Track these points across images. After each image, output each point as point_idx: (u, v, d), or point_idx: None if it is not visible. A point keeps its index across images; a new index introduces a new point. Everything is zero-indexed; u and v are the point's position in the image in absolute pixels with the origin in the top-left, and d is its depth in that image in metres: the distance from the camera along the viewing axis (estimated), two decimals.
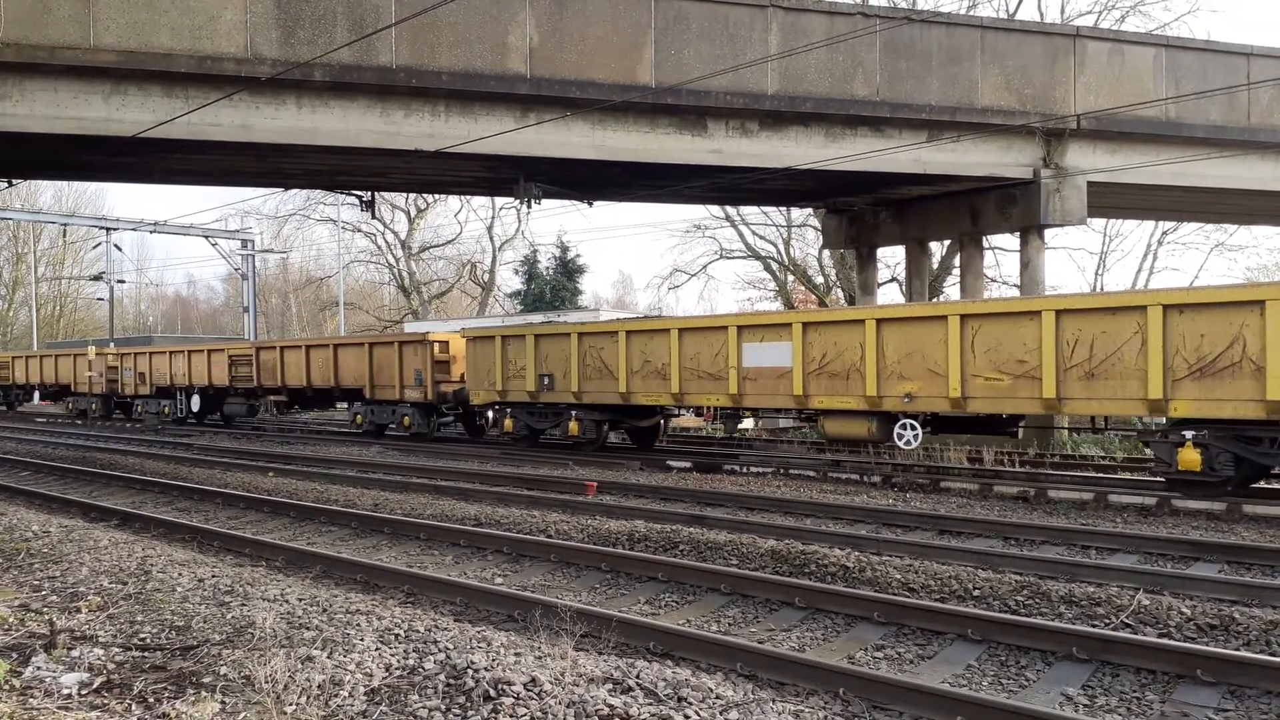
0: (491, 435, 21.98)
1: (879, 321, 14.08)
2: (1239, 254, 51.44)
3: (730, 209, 37.44)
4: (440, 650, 5.47)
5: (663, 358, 16.71)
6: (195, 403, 29.79)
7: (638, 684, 4.89)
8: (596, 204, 24.52)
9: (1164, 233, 39.36)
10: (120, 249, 46.33)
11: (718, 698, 4.84)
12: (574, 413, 18.46)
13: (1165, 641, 6.27)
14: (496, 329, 20.92)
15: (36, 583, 7.81)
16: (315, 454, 20.26)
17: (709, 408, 16.63)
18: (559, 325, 19.97)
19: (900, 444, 14.03)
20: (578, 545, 9.66)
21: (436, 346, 22.25)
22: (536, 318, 32.41)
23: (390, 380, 23.08)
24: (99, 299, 53.40)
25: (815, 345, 14.75)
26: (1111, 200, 23.63)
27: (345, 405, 28.18)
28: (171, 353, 30.87)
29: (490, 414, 20.97)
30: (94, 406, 34.57)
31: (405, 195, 48.11)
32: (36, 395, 39.33)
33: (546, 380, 18.75)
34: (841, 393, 14.51)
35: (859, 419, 14.46)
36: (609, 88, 17.08)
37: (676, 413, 19.66)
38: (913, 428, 13.92)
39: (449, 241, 54.19)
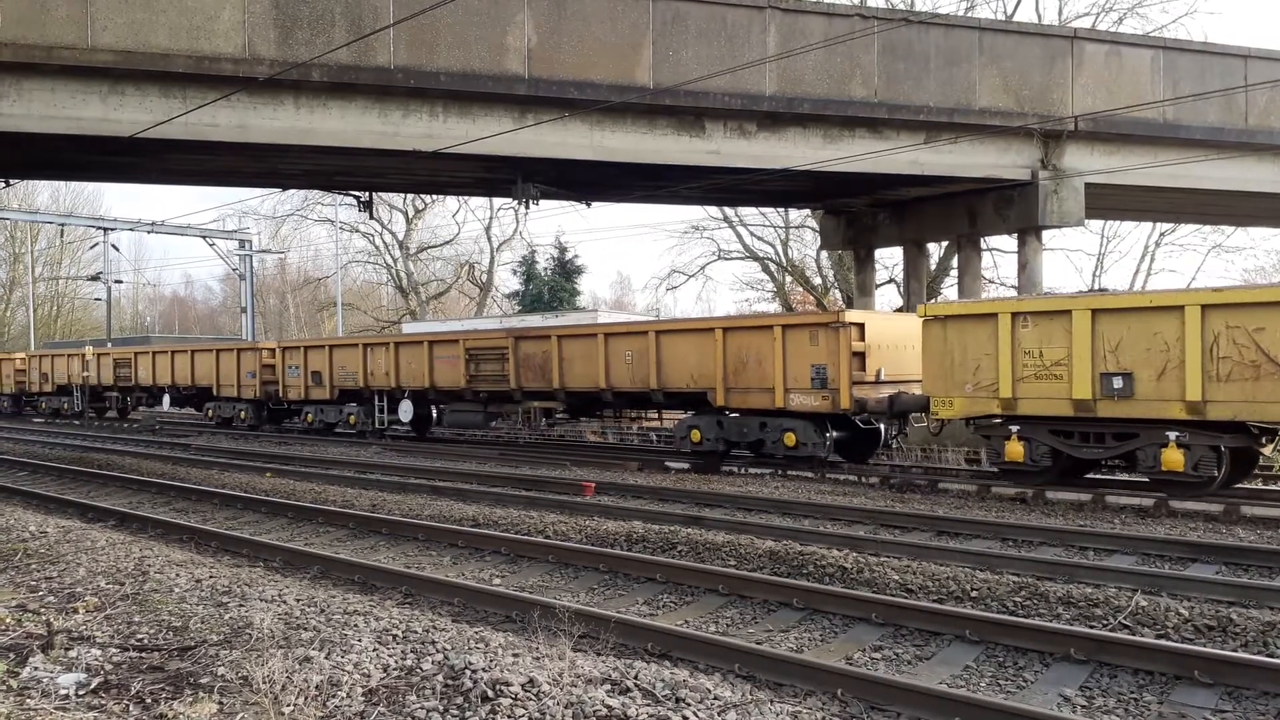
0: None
1: None
2: (1236, 255, 51.45)
3: (728, 210, 37.45)
4: (438, 651, 5.46)
5: None
6: (405, 410, 22.53)
7: (636, 685, 4.89)
8: (594, 205, 24.55)
9: (1162, 234, 39.39)
10: (118, 249, 46.31)
11: (716, 698, 4.83)
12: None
13: (1163, 643, 6.28)
14: (1000, 302, 14.36)
15: (34, 583, 7.79)
16: (313, 454, 20.24)
17: None
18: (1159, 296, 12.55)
19: None
20: (576, 546, 9.66)
21: (854, 331, 14.92)
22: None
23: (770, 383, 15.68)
24: (96, 299, 53.30)
25: None
26: (1109, 202, 23.66)
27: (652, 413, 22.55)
28: (368, 345, 23.72)
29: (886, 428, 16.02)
30: (243, 414, 28.18)
31: (403, 196, 48.05)
32: (167, 399, 31.28)
33: (1118, 382, 12.25)
34: None
35: None
36: (607, 88, 17.08)
37: None
38: None
39: (447, 242, 54.17)
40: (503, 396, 20.29)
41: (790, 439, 15.44)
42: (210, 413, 29.10)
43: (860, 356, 14.92)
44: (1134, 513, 11.72)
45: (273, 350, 26.89)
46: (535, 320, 30.28)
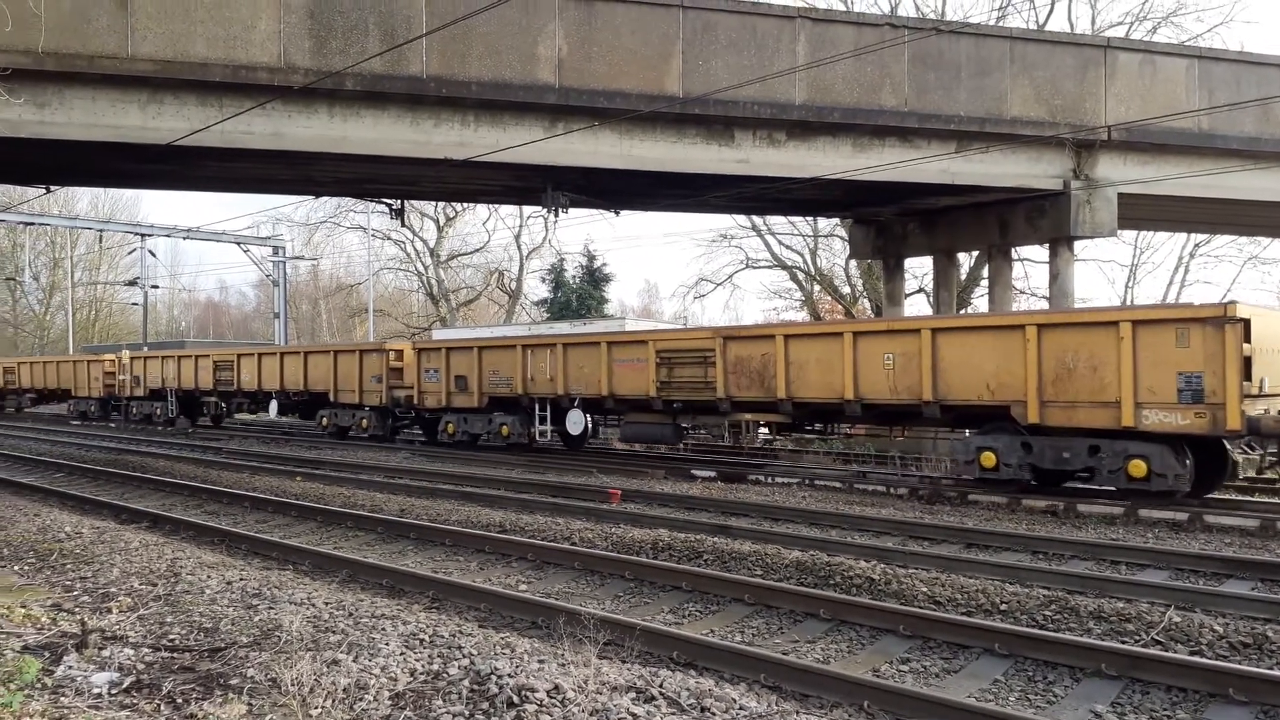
0: None
1: None
2: (1273, 267, 50.66)
3: (757, 219, 37.40)
4: (464, 656, 5.49)
5: None
6: (576, 420, 19.29)
7: (661, 693, 4.89)
8: (623, 213, 24.58)
9: (1196, 245, 38.91)
10: (154, 255, 47.08)
11: (741, 709, 4.82)
12: None
13: (1197, 659, 6.19)
14: None
15: (69, 583, 7.93)
16: (343, 459, 20.41)
17: None
18: None
19: None
20: (602, 553, 9.68)
21: (1240, 329, 11.93)
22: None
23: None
24: (133, 304, 54.22)
25: None
26: (1143, 212, 23.38)
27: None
28: (529, 346, 20.58)
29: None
30: (364, 423, 24.94)
31: (434, 204, 48.45)
32: (274, 406, 28.28)
33: None
34: None
35: None
36: (637, 98, 17.14)
37: None
38: None
39: (477, 250, 54.58)
40: (703, 407, 17.52)
41: (1138, 468, 12.25)
42: (324, 421, 26.28)
43: (1247, 362, 11.86)
44: (1167, 527, 11.56)
45: (400, 352, 24.35)
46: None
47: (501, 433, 20.87)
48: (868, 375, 14.67)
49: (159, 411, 32.75)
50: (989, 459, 13.58)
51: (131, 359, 34.24)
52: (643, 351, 17.90)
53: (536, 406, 20.00)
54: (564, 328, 31.37)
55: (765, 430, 21.04)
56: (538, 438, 20.42)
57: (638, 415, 18.72)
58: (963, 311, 27.95)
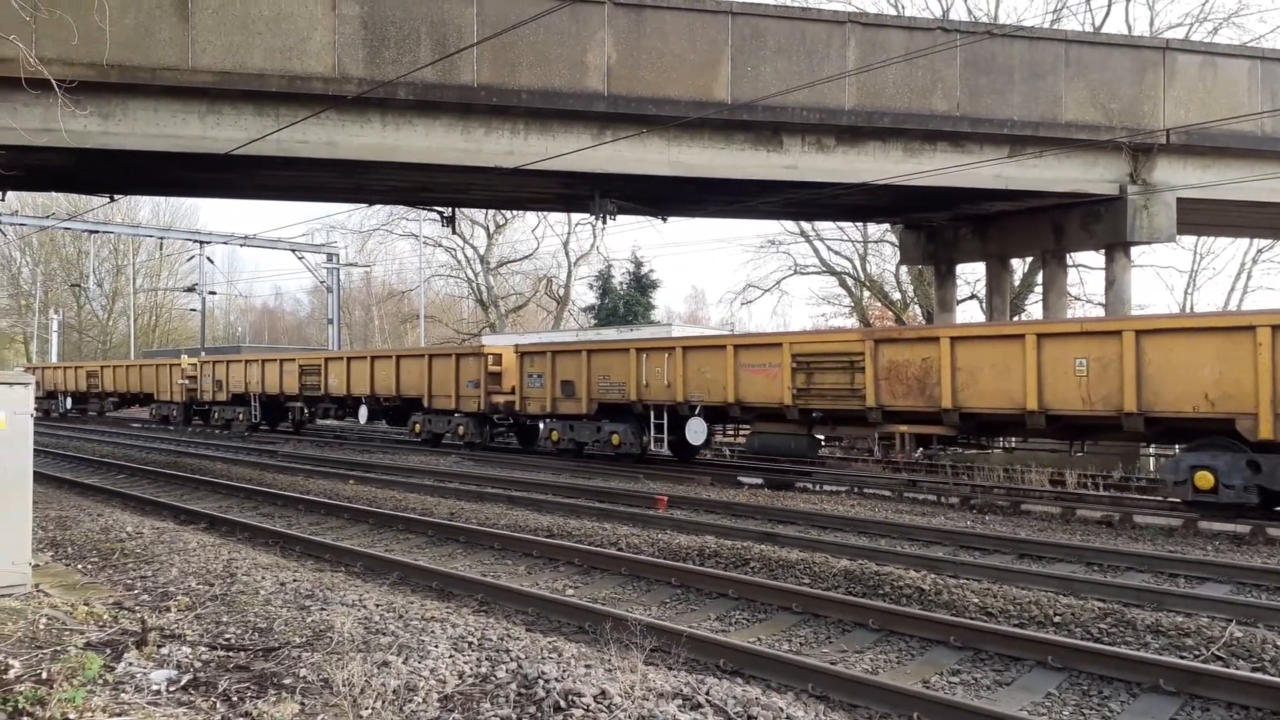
0: None
1: None
2: None
3: (805, 224, 37.20)
4: (512, 659, 5.53)
5: None
6: (698, 430, 18.07)
7: (707, 701, 4.88)
8: (670, 220, 24.59)
9: (1259, 250, 37.91)
10: (212, 261, 48.17)
11: (789, 718, 4.80)
12: None
13: (1260, 676, 6.02)
14: None
15: (129, 582, 8.13)
16: (394, 463, 20.67)
17: None
18: None
19: None
20: (648, 559, 9.68)
21: None
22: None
23: None
24: (192, 309, 55.47)
25: None
26: (1202, 217, 22.83)
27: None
28: (644, 350, 19.21)
29: None
30: (461, 430, 23.68)
31: (484, 211, 48.97)
32: (364, 412, 27.24)
33: None
34: None
35: None
36: (685, 105, 17.16)
37: None
38: None
39: (526, 257, 55.08)
40: (847, 417, 16.01)
41: None
42: (417, 427, 25.42)
43: None
44: (1228, 539, 11.26)
45: (499, 355, 23.44)
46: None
47: (612, 441, 19.77)
48: (1055, 383, 13.17)
49: (240, 416, 32.10)
50: (1205, 480, 11.95)
51: (214, 363, 33.67)
52: (776, 355, 16.58)
53: (652, 414, 18.91)
54: (610, 333, 31.45)
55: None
56: (652, 447, 19.24)
57: (767, 425, 17.22)
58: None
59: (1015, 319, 23.34)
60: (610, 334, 30.99)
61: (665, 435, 18.70)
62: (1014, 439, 16.56)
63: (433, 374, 24.42)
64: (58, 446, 25.72)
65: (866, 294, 40.81)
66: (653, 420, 18.88)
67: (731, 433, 22.27)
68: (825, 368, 15.94)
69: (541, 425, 22.46)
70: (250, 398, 31.23)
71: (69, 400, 43.95)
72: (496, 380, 23.10)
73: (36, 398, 45.50)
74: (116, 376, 40.14)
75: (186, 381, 34.60)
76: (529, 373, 21.53)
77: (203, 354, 39.44)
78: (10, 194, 23.02)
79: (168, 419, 36.55)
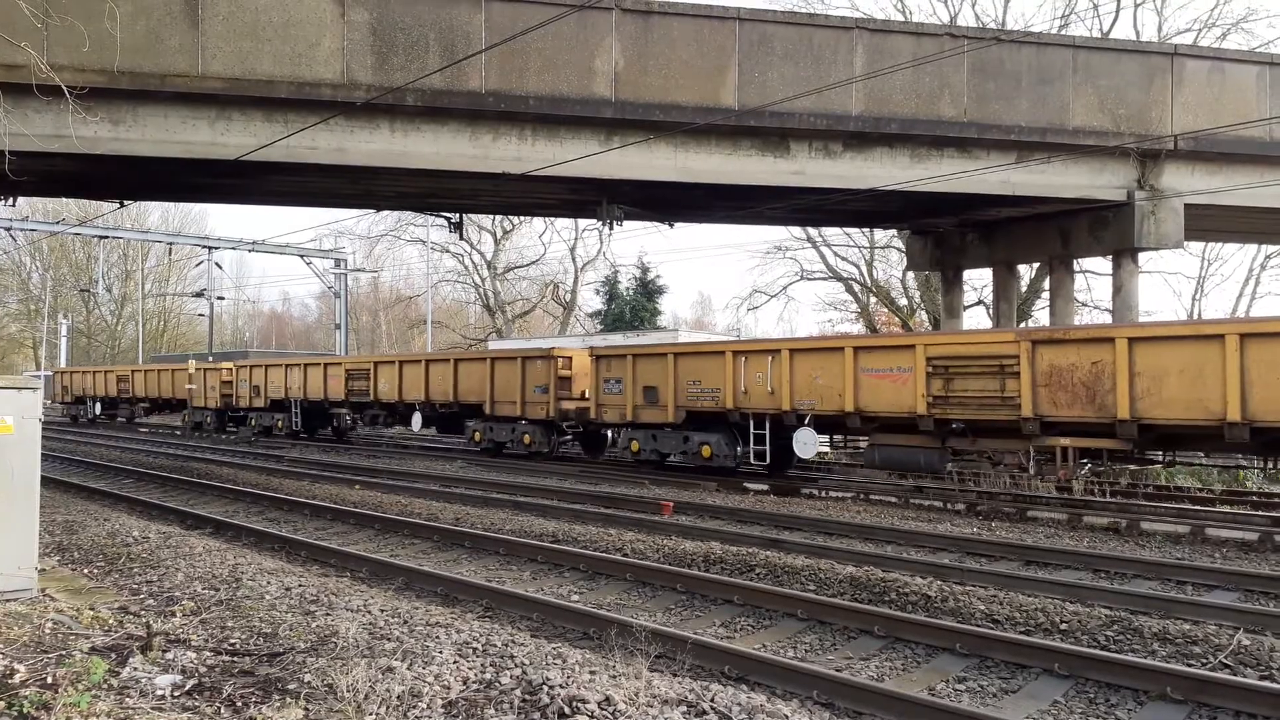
0: None
1: None
2: None
3: (811, 230, 37.20)
4: (516, 665, 5.53)
5: None
6: (806, 441, 16.55)
7: (712, 707, 4.87)
8: (677, 225, 24.62)
9: (1267, 256, 37.81)
10: (221, 267, 48.34)
11: None
12: None
13: (1268, 684, 5.99)
14: None
15: (135, 586, 8.16)
16: (400, 468, 20.69)
17: None
18: None
19: None
20: (653, 565, 9.67)
21: None
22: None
23: None
24: (200, 315, 55.66)
25: None
26: (1210, 223, 22.75)
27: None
28: (740, 353, 17.73)
29: None
30: (526, 438, 22.36)
31: (492, 217, 49.05)
32: (418, 419, 25.69)
33: None
34: None
35: None
36: (692, 110, 17.18)
37: None
38: None
39: (533, 262, 55.14)
40: (996, 428, 14.27)
41: None
42: (476, 435, 23.81)
43: None
44: (1236, 547, 11.21)
45: (569, 359, 21.93)
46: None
47: (702, 454, 18.05)
48: (1263, 390, 11.51)
49: (280, 424, 30.88)
50: None
51: (251, 367, 32.64)
52: (907, 359, 14.91)
53: (751, 423, 17.26)
54: (617, 339, 31.44)
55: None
56: (752, 459, 17.47)
57: (891, 436, 15.54)
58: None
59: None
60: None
61: (767, 446, 17.14)
62: (1201, 453, 14.88)
63: (495, 378, 22.97)
64: (65, 451, 25.82)
65: (873, 300, 40.78)
66: (752, 430, 17.30)
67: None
68: (969, 373, 14.24)
69: (610, 433, 21.07)
70: (291, 403, 30.03)
71: (98, 405, 42.94)
72: (566, 385, 21.72)
73: (64, 402, 44.15)
74: (148, 381, 38.69)
75: (221, 387, 33.65)
76: (605, 378, 20.01)
77: (210, 359, 39.50)
78: (21, 200, 23.12)
79: (201, 425, 34.98)
